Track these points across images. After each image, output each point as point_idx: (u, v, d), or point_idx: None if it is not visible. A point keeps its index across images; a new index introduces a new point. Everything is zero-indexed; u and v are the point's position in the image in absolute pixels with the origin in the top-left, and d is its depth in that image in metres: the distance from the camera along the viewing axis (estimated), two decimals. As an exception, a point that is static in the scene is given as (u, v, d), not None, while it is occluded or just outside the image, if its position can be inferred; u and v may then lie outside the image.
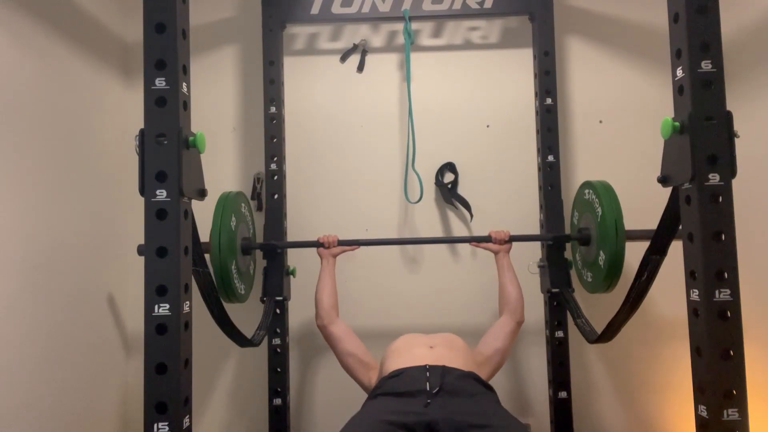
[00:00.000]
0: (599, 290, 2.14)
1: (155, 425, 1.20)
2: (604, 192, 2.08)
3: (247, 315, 2.31)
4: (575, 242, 2.32)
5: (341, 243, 2.23)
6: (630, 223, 2.02)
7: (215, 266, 1.95)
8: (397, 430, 1.53)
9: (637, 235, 1.97)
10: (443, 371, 1.74)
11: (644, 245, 1.58)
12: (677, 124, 1.27)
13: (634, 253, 1.79)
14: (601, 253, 2.05)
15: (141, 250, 1.72)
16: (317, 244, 2.23)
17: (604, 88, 2.63)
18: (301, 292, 2.48)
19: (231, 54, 2.67)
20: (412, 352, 1.89)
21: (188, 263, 1.32)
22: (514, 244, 2.27)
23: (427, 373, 1.73)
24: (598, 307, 2.29)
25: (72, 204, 2.10)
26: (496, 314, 2.23)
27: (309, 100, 2.64)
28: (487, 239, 2.25)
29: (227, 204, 2.06)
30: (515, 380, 2.55)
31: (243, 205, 2.26)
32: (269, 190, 2.46)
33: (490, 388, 1.82)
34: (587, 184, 2.21)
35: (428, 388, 1.67)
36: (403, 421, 1.55)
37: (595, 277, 2.16)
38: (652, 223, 1.55)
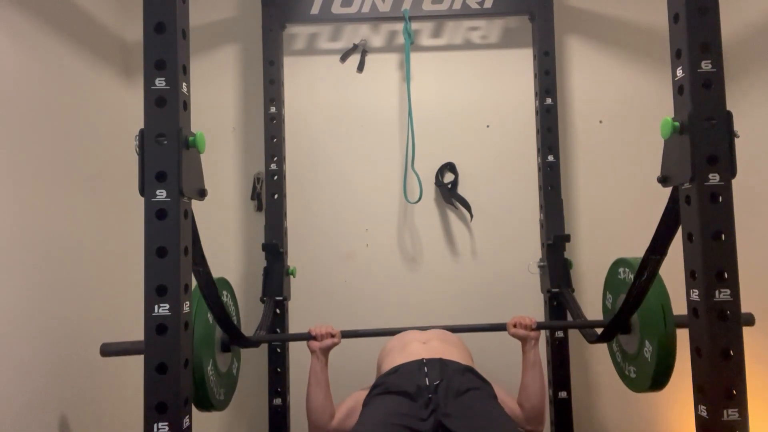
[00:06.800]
0: (646, 388, 1.79)
1: (155, 425, 1.20)
2: None
3: (247, 315, 2.31)
4: None
5: (344, 335, 1.98)
6: (629, 223, 2.01)
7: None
8: (404, 431, 1.53)
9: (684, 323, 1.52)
10: (441, 364, 1.75)
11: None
12: (677, 124, 1.27)
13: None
14: (647, 343, 1.76)
15: (104, 350, 1.61)
16: (308, 337, 1.96)
17: (604, 88, 2.63)
18: (301, 292, 2.48)
19: (231, 54, 2.67)
20: (407, 349, 1.89)
21: (188, 263, 1.32)
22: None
23: (425, 368, 1.74)
24: (598, 307, 2.28)
25: (72, 204, 2.10)
26: (495, 314, 2.22)
27: (309, 100, 2.64)
28: (503, 327, 2.00)
29: (202, 298, 1.72)
30: (515, 380, 2.54)
31: (225, 293, 1.96)
32: (269, 190, 2.46)
33: (486, 382, 1.82)
34: (622, 262, 1.96)
35: (427, 383, 1.67)
36: (407, 424, 1.55)
37: (640, 372, 1.83)
38: (651, 224, 1.55)
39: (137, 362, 1.23)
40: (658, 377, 1.74)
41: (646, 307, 1.72)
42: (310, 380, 1.91)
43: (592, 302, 2.40)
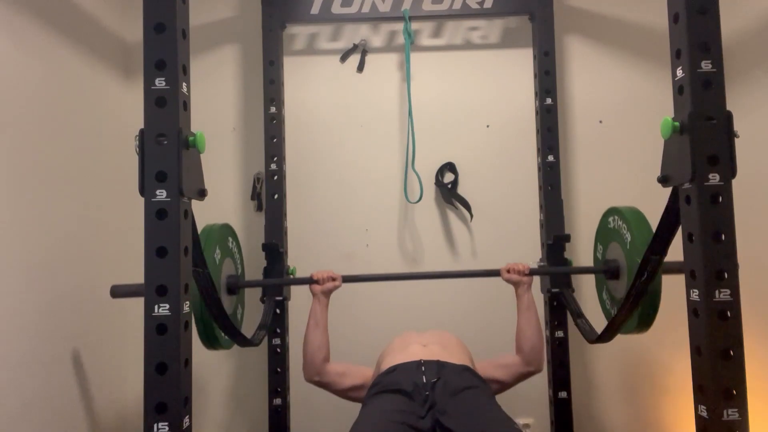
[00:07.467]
0: (633, 329, 1.87)
1: (155, 425, 1.20)
2: (633, 216, 1.87)
3: (247, 315, 2.31)
4: (602, 277, 2.12)
5: (344, 279, 2.05)
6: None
7: (194, 306, 1.71)
8: (404, 428, 1.54)
9: (674, 268, 1.59)
10: (438, 365, 1.76)
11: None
12: (677, 124, 1.27)
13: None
14: None
15: (114, 292, 1.70)
16: (310, 281, 2.04)
17: (604, 88, 2.63)
18: (301, 292, 2.47)
19: (231, 54, 2.67)
20: (405, 351, 1.90)
21: (188, 263, 1.32)
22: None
23: (423, 368, 1.74)
24: (598, 307, 2.28)
25: (72, 204, 2.10)
26: (494, 314, 2.23)
27: (309, 100, 2.64)
28: (496, 273, 2.07)
29: (211, 236, 1.89)
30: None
31: (230, 239, 2.07)
32: (269, 190, 2.46)
33: (484, 381, 1.83)
34: (612, 211, 2.02)
35: (424, 381, 1.68)
36: (406, 421, 1.56)
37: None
38: (651, 224, 1.55)
39: (137, 362, 1.23)
40: (644, 318, 1.80)
41: (633, 251, 1.82)
42: (309, 321, 1.98)
43: (592, 302, 2.40)
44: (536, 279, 2.46)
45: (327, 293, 2.02)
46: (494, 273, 2.07)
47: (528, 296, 2.00)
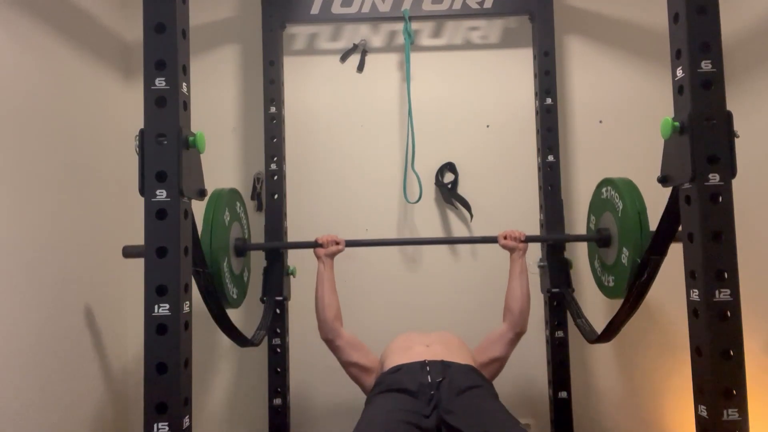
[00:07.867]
0: (622, 294, 1.91)
1: (155, 425, 1.20)
2: (625, 186, 1.96)
3: (247, 315, 2.31)
4: (594, 245, 2.21)
5: (348, 244, 2.14)
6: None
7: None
8: (409, 428, 1.54)
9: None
10: (443, 365, 1.76)
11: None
12: (677, 124, 1.27)
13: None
14: (625, 250, 1.91)
15: (126, 252, 1.72)
16: (315, 245, 2.14)
17: (604, 88, 2.63)
18: (301, 292, 2.47)
19: (231, 54, 2.67)
20: (409, 351, 1.90)
21: (188, 263, 1.32)
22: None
23: (427, 368, 1.75)
24: (599, 307, 2.29)
25: (72, 204, 2.10)
26: (495, 314, 2.22)
27: (309, 100, 2.64)
28: (494, 239, 2.16)
29: (220, 200, 1.96)
30: (515, 380, 2.55)
31: (238, 204, 2.16)
32: (269, 190, 2.46)
33: (488, 381, 1.85)
34: (606, 182, 2.11)
35: (429, 380, 1.68)
36: (411, 420, 1.56)
37: (618, 279, 1.99)
38: (652, 223, 1.55)
39: (137, 362, 1.23)
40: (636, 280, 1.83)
41: (624, 218, 1.91)
42: (317, 282, 2.07)
43: (592, 302, 2.41)
44: (536, 278, 2.47)
45: (331, 256, 2.11)
46: (491, 239, 2.17)
47: (522, 262, 2.09)
